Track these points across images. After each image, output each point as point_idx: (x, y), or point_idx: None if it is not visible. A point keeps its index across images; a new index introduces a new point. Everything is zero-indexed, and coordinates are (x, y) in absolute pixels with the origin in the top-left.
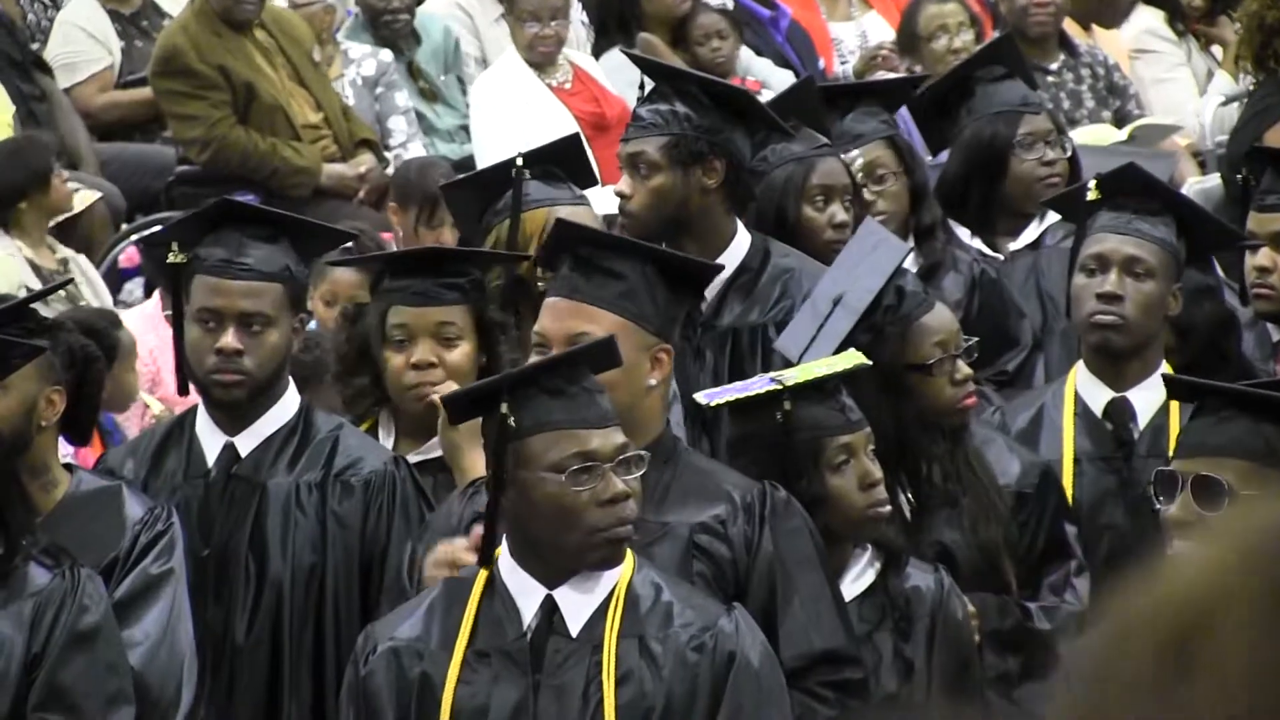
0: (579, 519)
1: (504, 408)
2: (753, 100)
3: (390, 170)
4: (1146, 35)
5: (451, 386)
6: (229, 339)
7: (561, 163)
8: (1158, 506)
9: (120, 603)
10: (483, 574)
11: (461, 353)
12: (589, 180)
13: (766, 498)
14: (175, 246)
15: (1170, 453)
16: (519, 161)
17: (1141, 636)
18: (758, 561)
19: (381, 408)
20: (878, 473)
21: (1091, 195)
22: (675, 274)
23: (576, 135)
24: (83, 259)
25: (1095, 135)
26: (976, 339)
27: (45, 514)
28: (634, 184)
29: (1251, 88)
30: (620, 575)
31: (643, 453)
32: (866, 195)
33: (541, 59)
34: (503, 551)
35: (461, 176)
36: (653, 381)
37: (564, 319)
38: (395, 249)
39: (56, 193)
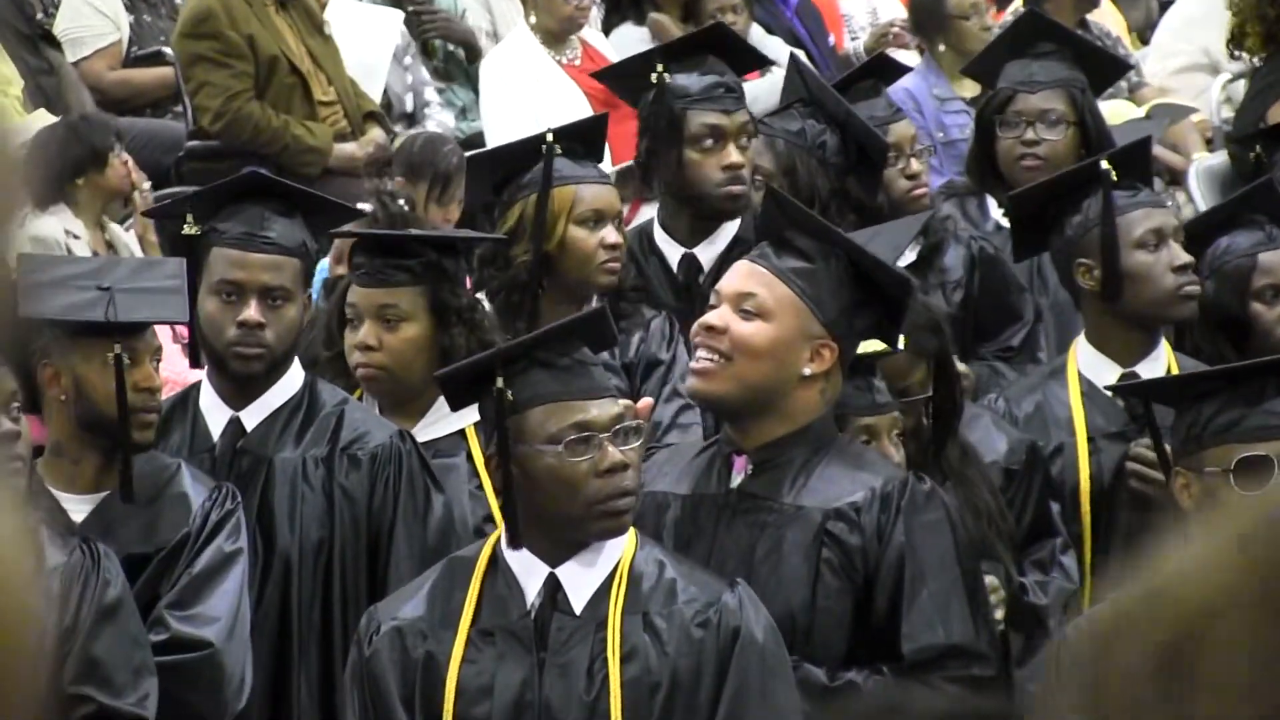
0: (578, 490)
1: (499, 382)
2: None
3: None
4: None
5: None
6: (252, 312)
7: (586, 140)
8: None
9: (198, 578)
10: (486, 553)
11: (403, 336)
12: (599, 158)
13: (907, 488)
14: (190, 218)
15: None
16: (549, 137)
17: (1136, 639)
18: (888, 551)
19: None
20: (897, 457)
21: (1114, 175)
22: (866, 281)
23: (604, 116)
24: (131, 237)
25: (1113, 111)
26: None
27: (109, 491)
28: (746, 156)
29: (1259, 64)
30: (623, 552)
31: (640, 422)
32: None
33: (575, 29)
34: (504, 531)
35: (489, 149)
36: (807, 371)
37: (738, 277)
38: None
39: (114, 173)
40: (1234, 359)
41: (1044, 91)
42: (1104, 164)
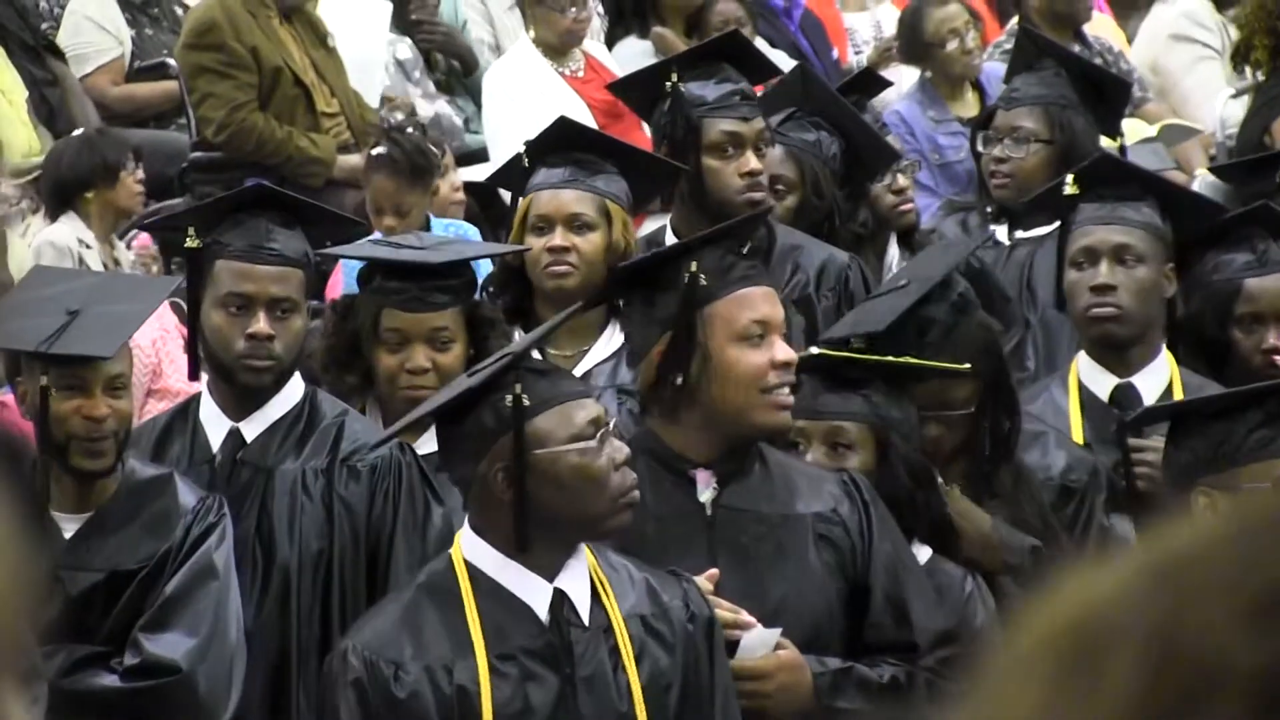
0: (605, 484)
1: (517, 388)
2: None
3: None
4: (1185, 20)
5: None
6: (262, 324)
7: (556, 147)
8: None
9: (171, 598)
10: (463, 574)
11: (454, 355)
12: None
13: (857, 483)
14: (192, 231)
15: None
16: (521, 149)
17: (1035, 662)
18: (875, 547)
19: (369, 394)
20: (827, 463)
21: (1070, 189)
22: None
23: (562, 120)
24: (131, 258)
25: (1125, 130)
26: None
27: (103, 503)
28: (764, 162)
29: (1261, 78)
30: (587, 558)
31: (617, 420)
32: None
33: (575, 42)
34: (466, 543)
35: (492, 173)
36: None
37: (774, 305)
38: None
39: (125, 189)
40: (1213, 379)
41: (1019, 108)
42: (1067, 180)
